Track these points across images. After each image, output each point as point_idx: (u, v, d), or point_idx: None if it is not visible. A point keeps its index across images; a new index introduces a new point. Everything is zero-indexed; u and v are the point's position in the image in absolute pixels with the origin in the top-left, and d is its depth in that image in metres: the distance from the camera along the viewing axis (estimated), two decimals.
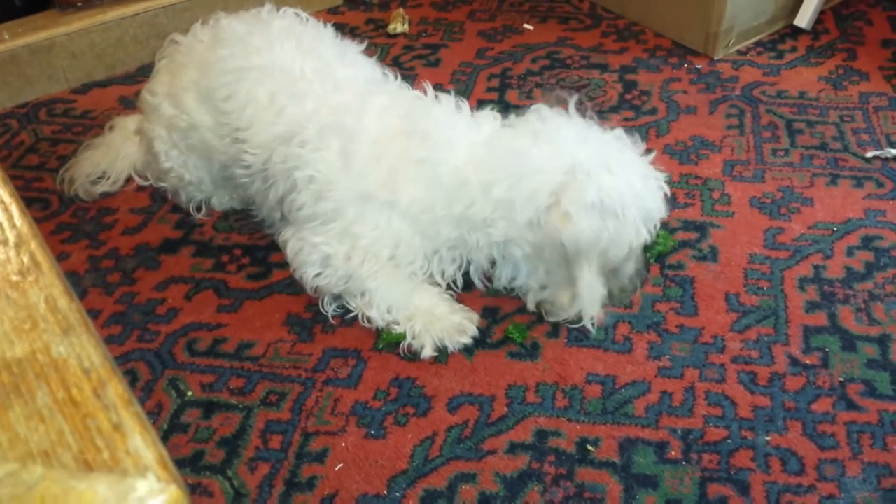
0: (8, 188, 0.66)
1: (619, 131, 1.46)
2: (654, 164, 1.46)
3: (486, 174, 1.41)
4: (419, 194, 1.44)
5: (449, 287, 1.54)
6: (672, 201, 1.76)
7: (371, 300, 1.48)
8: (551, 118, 1.45)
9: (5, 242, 0.60)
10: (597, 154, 1.38)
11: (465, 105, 1.52)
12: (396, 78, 1.60)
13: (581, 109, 1.47)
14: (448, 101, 1.51)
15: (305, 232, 1.50)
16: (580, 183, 1.34)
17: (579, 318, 1.47)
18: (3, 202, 0.64)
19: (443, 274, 1.53)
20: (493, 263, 1.52)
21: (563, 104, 1.49)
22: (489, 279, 1.55)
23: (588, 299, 1.43)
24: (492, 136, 1.46)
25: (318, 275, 1.50)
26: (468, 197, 1.42)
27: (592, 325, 1.48)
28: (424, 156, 1.43)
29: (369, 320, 1.49)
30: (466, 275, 1.55)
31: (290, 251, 1.52)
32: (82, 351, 0.52)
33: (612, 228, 1.35)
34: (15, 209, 0.63)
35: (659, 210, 1.43)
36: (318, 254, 1.49)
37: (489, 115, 1.52)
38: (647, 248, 1.59)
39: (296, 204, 1.51)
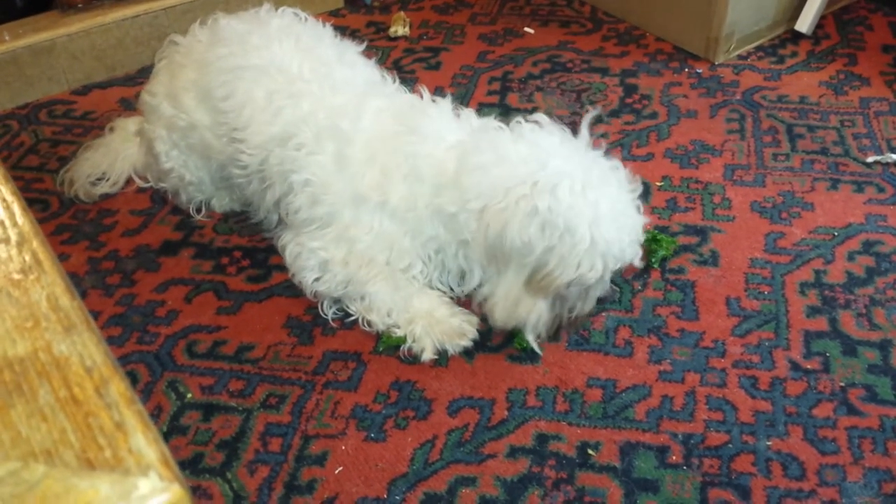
0: (9, 186, 0.66)
1: (618, 163, 1.38)
2: (640, 208, 1.37)
3: (461, 164, 1.37)
4: (408, 191, 1.42)
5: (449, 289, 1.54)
6: (673, 205, 1.76)
7: (371, 304, 1.48)
8: (545, 125, 1.40)
9: (7, 241, 0.60)
10: (571, 168, 1.31)
11: (465, 110, 1.51)
12: (395, 81, 1.60)
13: (591, 128, 1.38)
14: (444, 103, 1.50)
15: (303, 237, 1.50)
16: (534, 186, 1.28)
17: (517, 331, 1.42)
18: (4, 200, 0.64)
19: (440, 278, 1.53)
20: (461, 266, 1.48)
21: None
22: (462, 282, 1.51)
23: (503, 307, 1.37)
24: (477, 130, 1.43)
25: (316, 279, 1.49)
26: (444, 187, 1.38)
27: (536, 345, 1.42)
28: (412, 150, 1.41)
29: (369, 324, 1.49)
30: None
31: (288, 256, 1.52)
32: (84, 349, 0.51)
33: (554, 244, 1.28)
34: (17, 208, 0.63)
35: (622, 253, 1.32)
36: (316, 259, 1.48)
37: (488, 121, 1.47)
38: (650, 253, 1.59)
39: (292, 207, 1.50)
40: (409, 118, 1.46)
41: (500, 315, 1.40)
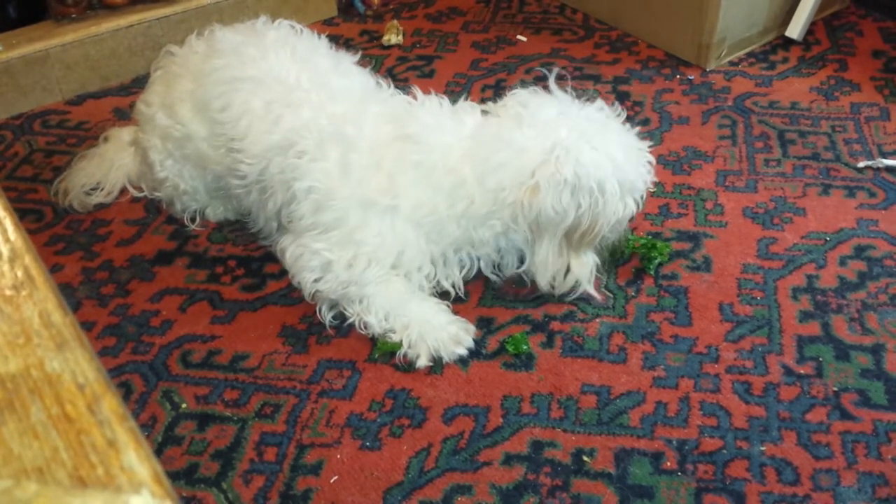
0: (2, 202, 0.66)
1: (600, 103, 1.51)
2: (636, 134, 1.51)
3: (479, 167, 1.44)
4: (422, 198, 1.45)
5: (446, 296, 1.54)
6: (665, 212, 1.76)
7: (369, 306, 1.48)
8: (531, 100, 1.48)
9: None
10: (577, 130, 1.42)
11: (446, 101, 1.55)
12: (390, 87, 1.61)
13: (561, 84, 1.51)
14: (431, 101, 1.53)
15: (306, 238, 1.50)
16: (557, 160, 1.39)
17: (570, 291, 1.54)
18: None
19: (448, 279, 1.54)
20: (500, 253, 1.55)
21: (541, 82, 1.53)
22: (500, 268, 1.58)
23: (543, 272, 1.51)
24: (476, 128, 1.49)
25: (317, 280, 1.49)
26: (468, 194, 1.45)
27: (593, 290, 1.54)
28: (419, 160, 1.45)
29: (366, 326, 1.49)
30: (466, 282, 1.56)
31: (289, 257, 1.52)
32: (76, 366, 0.52)
33: (586, 204, 1.41)
34: (9, 223, 0.63)
35: (643, 180, 1.48)
36: (318, 259, 1.48)
37: (468, 107, 1.54)
38: (646, 259, 1.61)
39: (295, 214, 1.51)
40: (405, 124, 1.48)
41: (543, 280, 1.53)
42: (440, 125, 1.48)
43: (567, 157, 1.39)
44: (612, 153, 1.42)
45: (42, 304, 0.56)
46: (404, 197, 1.45)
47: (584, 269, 1.52)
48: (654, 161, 1.52)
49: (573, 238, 1.47)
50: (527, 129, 1.43)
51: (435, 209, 1.46)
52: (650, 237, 1.66)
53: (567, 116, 1.44)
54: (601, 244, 1.53)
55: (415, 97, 1.55)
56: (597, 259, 1.54)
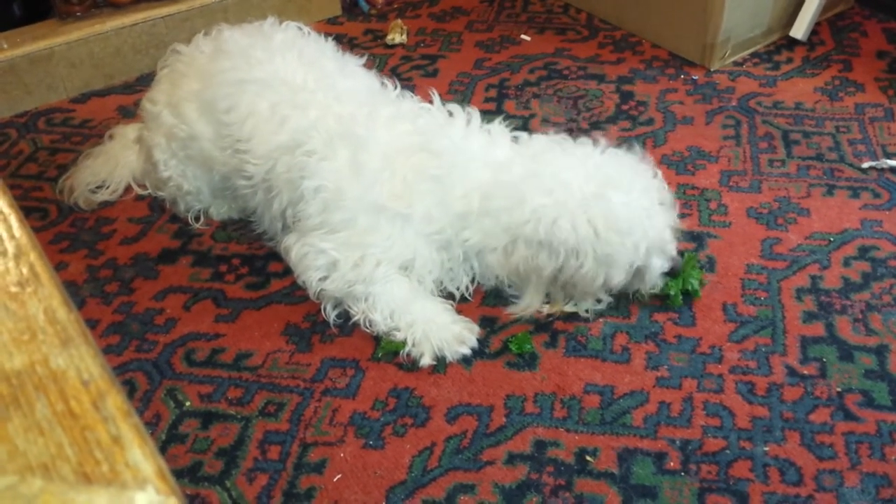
0: (7, 198, 0.66)
1: (634, 160, 1.50)
2: (664, 198, 1.49)
3: (485, 203, 1.46)
4: (433, 214, 1.47)
5: (450, 297, 1.54)
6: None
7: (374, 303, 1.48)
8: (556, 149, 1.50)
9: (4, 253, 0.60)
10: (581, 191, 1.41)
11: (476, 116, 1.54)
12: (395, 87, 1.61)
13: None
14: (459, 115, 1.54)
15: (312, 237, 1.50)
16: (538, 221, 1.41)
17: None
18: (1, 213, 0.64)
19: (455, 283, 1.55)
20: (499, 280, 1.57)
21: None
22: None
23: (525, 310, 1.52)
24: (497, 162, 1.50)
25: (322, 279, 1.49)
26: (471, 225, 1.48)
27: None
28: (438, 175, 1.46)
29: (371, 324, 1.49)
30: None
31: (294, 255, 1.51)
32: (81, 363, 0.52)
33: (561, 265, 1.42)
34: (14, 220, 0.63)
35: (636, 254, 1.43)
36: (324, 259, 1.48)
37: (498, 131, 1.55)
38: (681, 289, 1.55)
39: (303, 214, 1.51)
40: (430, 136, 1.50)
41: (526, 312, 1.54)
42: (467, 147, 1.50)
43: (547, 220, 1.40)
44: (596, 222, 1.40)
45: (47, 300, 0.56)
46: (416, 206, 1.46)
47: (577, 309, 1.52)
48: (676, 220, 1.52)
49: (559, 287, 1.49)
50: (536, 182, 1.44)
51: (442, 229, 1.48)
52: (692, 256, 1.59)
53: (589, 172, 1.44)
54: (626, 289, 1.52)
55: (430, 100, 1.56)
56: (594, 303, 1.52)
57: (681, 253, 1.58)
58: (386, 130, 1.49)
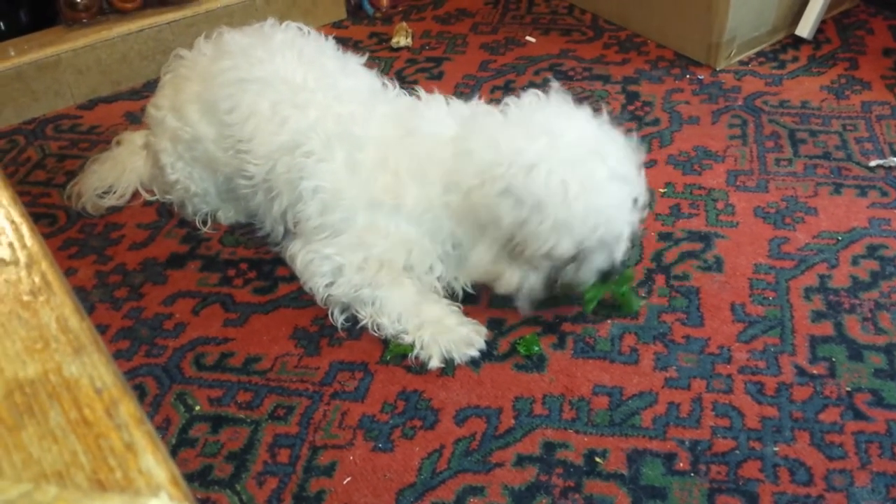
0: (18, 207, 0.67)
1: (614, 133, 1.44)
2: (638, 183, 1.42)
3: (459, 156, 1.42)
4: (419, 192, 1.46)
5: (454, 299, 1.55)
6: (676, 212, 1.76)
7: (382, 307, 1.48)
8: (534, 103, 1.45)
9: (16, 262, 0.61)
10: (558, 148, 1.35)
11: (455, 100, 1.55)
12: (395, 87, 1.62)
13: (568, 84, 1.48)
14: (436, 100, 1.54)
15: (315, 244, 1.50)
16: (511, 169, 1.34)
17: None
18: (13, 222, 0.65)
19: (458, 279, 1.54)
20: None
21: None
22: None
23: (473, 270, 1.49)
24: (467, 118, 1.47)
25: (329, 284, 1.50)
26: (450, 182, 1.44)
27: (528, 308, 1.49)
28: (415, 151, 1.46)
29: (379, 328, 1.49)
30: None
31: (299, 263, 1.52)
32: (94, 370, 0.52)
33: (522, 219, 1.36)
34: (25, 229, 0.64)
35: (593, 232, 1.37)
36: (329, 264, 1.49)
37: (474, 105, 1.53)
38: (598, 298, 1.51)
39: (302, 215, 1.51)
40: (407, 120, 1.50)
41: (470, 278, 1.53)
42: (439, 119, 1.50)
43: (520, 168, 1.34)
44: (568, 185, 1.33)
45: (59, 309, 0.57)
46: (407, 195, 1.46)
47: (512, 281, 1.46)
48: (638, 224, 1.44)
49: (509, 248, 1.42)
50: (510, 128, 1.40)
51: (430, 203, 1.46)
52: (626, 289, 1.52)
53: (560, 128, 1.38)
54: (548, 269, 1.44)
55: (419, 97, 1.56)
56: (537, 280, 1.46)
57: (625, 265, 1.53)
58: (379, 128, 1.50)
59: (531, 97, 1.48)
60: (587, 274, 1.45)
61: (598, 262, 1.44)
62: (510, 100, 1.49)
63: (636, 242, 1.55)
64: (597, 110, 1.47)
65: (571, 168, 1.35)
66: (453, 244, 1.51)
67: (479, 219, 1.42)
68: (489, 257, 1.46)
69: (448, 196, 1.45)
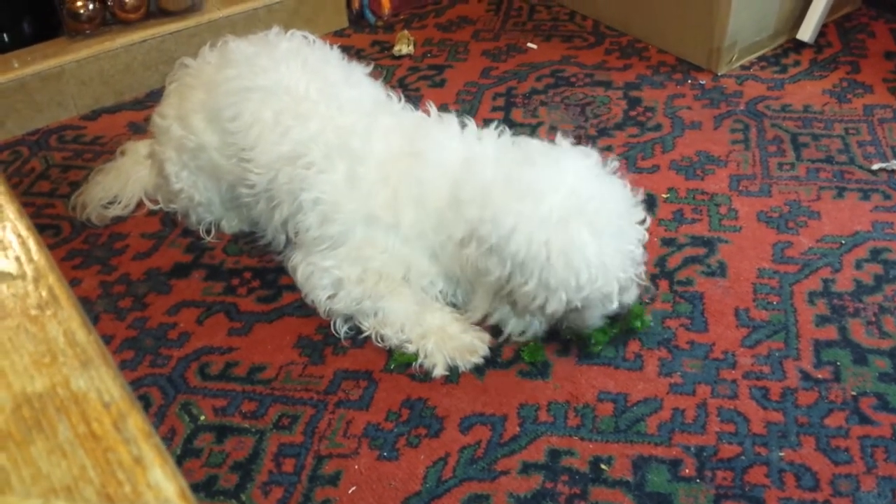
0: (24, 221, 0.67)
1: (619, 188, 1.40)
2: (637, 235, 1.39)
3: (450, 196, 1.41)
4: (418, 217, 1.46)
5: (456, 307, 1.55)
6: (679, 217, 1.76)
7: (385, 318, 1.49)
8: (547, 154, 1.41)
9: (23, 276, 0.61)
10: (546, 207, 1.32)
11: (471, 122, 1.53)
12: (400, 99, 1.62)
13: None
14: (451, 120, 1.53)
15: (315, 256, 1.51)
16: (497, 228, 1.33)
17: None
18: (20, 236, 0.65)
19: (460, 297, 1.54)
20: None
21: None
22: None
23: (473, 313, 1.50)
24: (469, 161, 1.44)
25: (330, 297, 1.50)
26: (442, 215, 1.43)
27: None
28: (421, 176, 1.45)
29: (382, 339, 1.49)
30: None
31: (300, 276, 1.53)
32: (101, 384, 0.52)
33: (508, 274, 1.35)
34: (32, 243, 0.64)
35: (579, 291, 1.34)
36: (329, 277, 1.50)
37: (489, 132, 1.50)
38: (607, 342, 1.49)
39: (302, 226, 1.52)
40: (415, 140, 1.49)
41: (480, 321, 1.51)
42: (449, 145, 1.47)
43: (503, 228, 1.32)
44: (551, 245, 1.31)
45: (66, 323, 0.57)
46: (404, 215, 1.46)
47: (516, 329, 1.47)
48: (641, 270, 1.41)
49: (506, 297, 1.43)
50: (501, 184, 1.37)
51: (424, 230, 1.46)
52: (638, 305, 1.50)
53: (553, 186, 1.35)
54: (561, 321, 1.44)
55: (426, 111, 1.56)
56: (541, 327, 1.46)
57: (643, 301, 1.51)
58: (382, 142, 1.49)
59: (538, 145, 1.45)
60: (591, 320, 1.43)
61: (597, 312, 1.42)
62: (521, 140, 1.47)
63: (648, 291, 1.53)
64: (604, 162, 1.44)
65: (554, 230, 1.31)
66: (460, 267, 1.47)
67: (471, 269, 1.42)
68: (486, 305, 1.47)
69: (439, 236, 1.45)
